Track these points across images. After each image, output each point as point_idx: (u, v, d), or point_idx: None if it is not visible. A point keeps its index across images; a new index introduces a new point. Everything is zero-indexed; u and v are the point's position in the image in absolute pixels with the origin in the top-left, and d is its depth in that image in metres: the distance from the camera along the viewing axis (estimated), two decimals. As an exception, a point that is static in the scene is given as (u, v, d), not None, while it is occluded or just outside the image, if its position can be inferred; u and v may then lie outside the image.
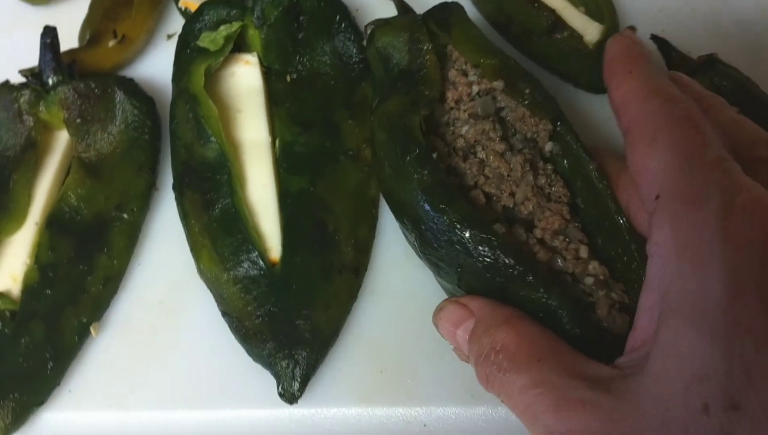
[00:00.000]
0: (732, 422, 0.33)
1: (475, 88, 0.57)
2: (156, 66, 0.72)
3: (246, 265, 0.58)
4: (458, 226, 0.48)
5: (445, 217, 0.49)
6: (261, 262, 0.57)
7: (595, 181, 0.52)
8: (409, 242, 0.55)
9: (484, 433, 0.51)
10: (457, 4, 0.62)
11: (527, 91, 0.55)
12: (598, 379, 0.39)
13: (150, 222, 0.64)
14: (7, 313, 0.57)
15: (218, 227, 0.59)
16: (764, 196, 0.38)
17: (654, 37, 0.65)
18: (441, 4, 0.62)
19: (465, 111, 0.56)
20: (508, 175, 0.53)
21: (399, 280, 0.59)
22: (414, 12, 0.63)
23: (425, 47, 0.58)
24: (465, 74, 0.58)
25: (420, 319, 0.56)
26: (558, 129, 0.54)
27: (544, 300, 0.46)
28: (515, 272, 0.47)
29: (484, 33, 0.61)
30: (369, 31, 0.62)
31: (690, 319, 0.35)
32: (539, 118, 0.55)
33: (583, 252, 0.50)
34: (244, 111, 0.65)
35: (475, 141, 0.55)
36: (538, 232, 0.51)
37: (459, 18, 0.61)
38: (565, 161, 0.54)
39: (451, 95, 0.58)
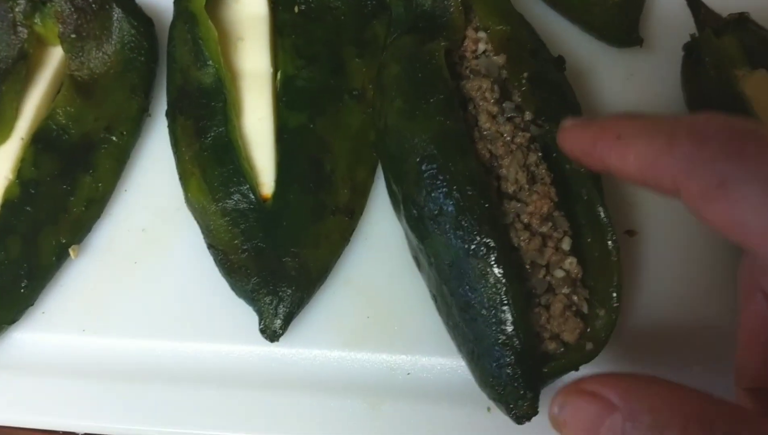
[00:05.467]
0: None
1: (482, 47, 0.55)
2: (160, -10, 0.69)
3: (236, 198, 0.55)
4: (460, 180, 0.46)
5: (452, 166, 0.47)
6: (252, 196, 0.55)
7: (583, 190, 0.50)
8: (392, 186, 0.53)
9: (467, 385, 0.48)
10: None
11: (525, 75, 0.52)
12: None
13: (140, 149, 0.62)
14: (-16, 228, 0.55)
15: (209, 156, 0.56)
16: None
17: (683, -7, 0.62)
18: None
19: (466, 67, 0.54)
20: (501, 142, 0.50)
21: (395, 227, 0.56)
22: None
23: None
24: (476, 30, 0.56)
25: (412, 267, 0.54)
26: (540, 122, 0.51)
27: (498, 286, 0.44)
28: (487, 250, 0.44)
29: None
30: None
31: None
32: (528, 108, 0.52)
33: (566, 244, 0.48)
34: (247, 39, 0.62)
35: (471, 97, 0.53)
36: (525, 217, 0.48)
37: None
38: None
39: (464, 46, 0.55)
